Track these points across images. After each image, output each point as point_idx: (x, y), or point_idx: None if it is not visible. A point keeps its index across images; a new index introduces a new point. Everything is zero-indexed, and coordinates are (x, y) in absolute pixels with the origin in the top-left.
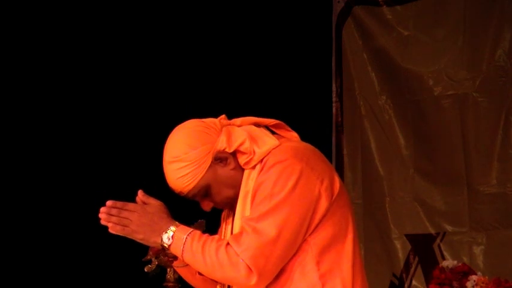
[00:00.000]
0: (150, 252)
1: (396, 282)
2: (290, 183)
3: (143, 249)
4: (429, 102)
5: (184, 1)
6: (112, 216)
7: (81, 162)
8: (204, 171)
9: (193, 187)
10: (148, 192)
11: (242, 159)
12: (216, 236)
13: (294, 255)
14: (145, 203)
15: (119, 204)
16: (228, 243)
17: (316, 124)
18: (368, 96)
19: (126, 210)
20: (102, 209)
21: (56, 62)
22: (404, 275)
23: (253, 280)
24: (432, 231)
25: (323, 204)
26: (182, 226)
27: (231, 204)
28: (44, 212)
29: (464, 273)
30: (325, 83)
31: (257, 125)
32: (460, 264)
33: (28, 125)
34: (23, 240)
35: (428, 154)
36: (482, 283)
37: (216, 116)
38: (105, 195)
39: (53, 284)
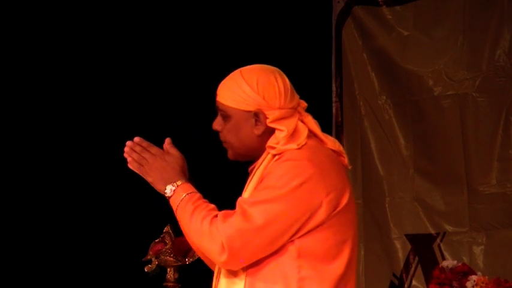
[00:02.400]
0: (150, 252)
1: (396, 282)
2: (294, 183)
3: (143, 249)
4: (429, 102)
5: (184, 1)
6: (134, 152)
7: (81, 159)
8: (240, 108)
9: (226, 105)
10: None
11: (270, 141)
12: (212, 206)
13: (277, 253)
14: (168, 152)
15: (145, 143)
16: (216, 216)
17: None
18: (368, 96)
19: (148, 151)
20: (128, 143)
21: (55, 62)
22: (404, 275)
23: (223, 258)
24: (432, 231)
25: (320, 215)
26: (188, 184)
27: (231, 154)
28: (44, 211)
29: (464, 273)
30: (325, 83)
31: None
32: (460, 264)
33: (28, 123)
34: (22, 240)
35: (428, 154)
36: (482, 283)
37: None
38: (105, 193)
39: (53, 284)
